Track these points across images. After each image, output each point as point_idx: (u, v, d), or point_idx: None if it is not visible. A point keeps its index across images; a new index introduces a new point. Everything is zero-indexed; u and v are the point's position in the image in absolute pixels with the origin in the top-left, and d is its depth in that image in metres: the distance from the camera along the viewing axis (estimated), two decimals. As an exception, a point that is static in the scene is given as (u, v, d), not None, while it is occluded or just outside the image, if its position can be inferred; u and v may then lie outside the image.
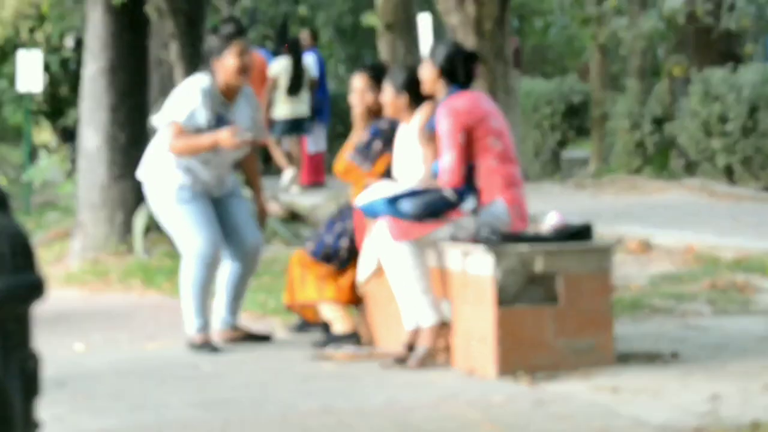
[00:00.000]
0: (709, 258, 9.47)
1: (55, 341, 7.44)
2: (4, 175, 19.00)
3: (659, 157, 15.92)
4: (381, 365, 6.48)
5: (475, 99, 6.64)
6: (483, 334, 6.17)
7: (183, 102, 7.03)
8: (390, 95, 6.92)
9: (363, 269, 6.84)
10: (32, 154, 17.63)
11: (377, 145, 7.09)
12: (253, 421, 5.35)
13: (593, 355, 6.23)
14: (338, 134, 18.57)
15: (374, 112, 7.24)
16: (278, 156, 16.18)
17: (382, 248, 6.50)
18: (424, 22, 13.98)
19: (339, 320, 7.13)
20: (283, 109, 16.04)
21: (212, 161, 7.10)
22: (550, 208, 7.92)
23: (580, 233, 6.36)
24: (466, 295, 6.32)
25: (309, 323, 7.45)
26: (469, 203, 6.43)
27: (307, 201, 13.93)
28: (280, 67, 16.13)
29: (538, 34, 30.55)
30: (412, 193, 6.45)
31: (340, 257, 7.15)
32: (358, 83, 7.30)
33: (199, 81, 7.11)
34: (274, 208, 11.65)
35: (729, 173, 14.79)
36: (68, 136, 19.07)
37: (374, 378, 6.22)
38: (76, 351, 7.30)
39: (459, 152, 6.43)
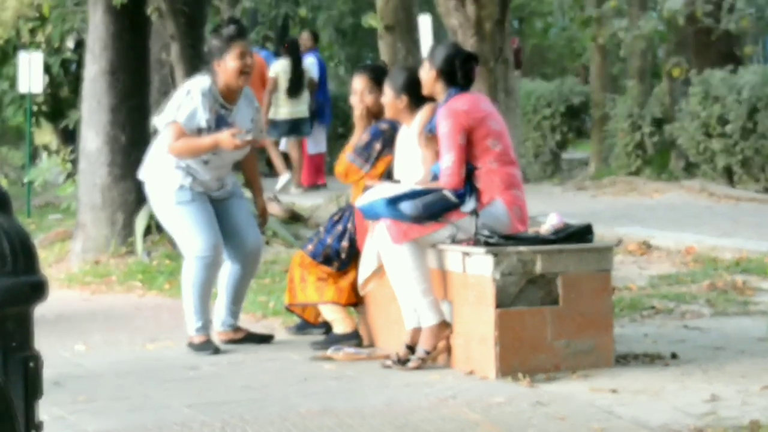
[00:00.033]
0: (709, 259, 9.49)
1: (56, 342, 7.45)
2: (5, 176, 19.02)
3: (659, 158, 15.93)
4: (381, 366, 6.49)
5: (475, 100, 6.65)
6: (483, 335, 6.18)
7: (183, 103, 7.04)
8: (390, 97, 6.93)
9: (363, 270, 6.85)
10: (33, 156, 17.65)
11: (377, 146, 7.10)
12: (253, 421, 5.36)
13: (593, 356, 6.24)
14: (339, 135, 18.58)
15: (374, 113, 7.25)
16: (275, 158, 16.19)
17: (383, 249, 6.51)
18: (424, 23, 13.99)
19: (339, 321, 7.14)
20: (283, 110, 16.06)
21: (212, 162, 7.11)
22: (550, 209, 7.94)
23: (580, 234, 6.37)
24: (466, 296, 6.33)
25: (309, 324, 7.46)
26: (468, 205, 6.43)
27: (307, 202, 13.95)
28: (279, 68, 16.14)
29: (538, 36, 30.57)
30: (412, 195, 6.46)
31: (341, 258, 7.17)
32: (359, 84, 7.31)
33: (200, 82, 7.12)
34: (274, 209, 11.66)
35: (729, 174, 14.79)
36: (69, 137, 19.08)
37: (374, 379, 6.23)
38: (76, 352, 7.31)
39: (459, 154, 6.44)
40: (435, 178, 6.60)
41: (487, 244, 6.21)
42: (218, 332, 7.28)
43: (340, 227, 7.21)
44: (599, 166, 17.03)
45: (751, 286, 8.50)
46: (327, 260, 7.18)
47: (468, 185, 6.47)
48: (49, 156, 19.32)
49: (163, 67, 11.65)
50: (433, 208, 6.41)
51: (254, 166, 7.60)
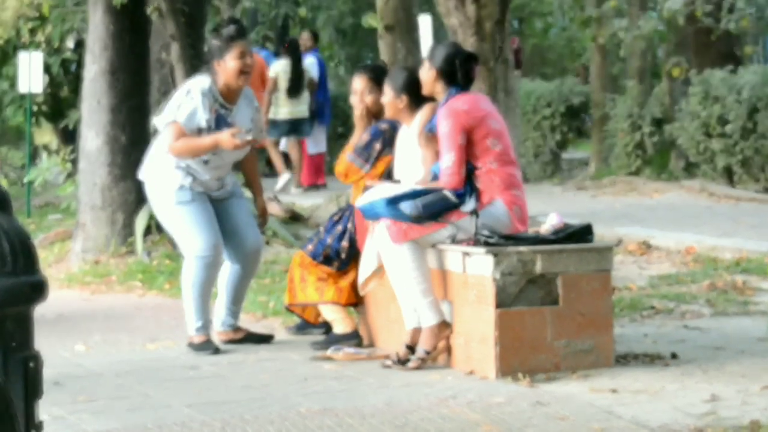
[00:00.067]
0: (709, 259, 9.49)
1: (56, 342, 7.45)
2: (5, 176, 19.01)
3: (659, 158, 15.93)
4: (381, 366, 6.49)
5: (475, 100, 6.65)
6: (483, 335, 6.18)
7: (183, 103, 7.04)
8: (390, 97, 6.93)
9: (363, 270, 6.85)
10: (33, 156, 17.65)
11: (377, 146, 7.10)
12: (253, 421, 5.36)
13: (593, 356, 6.24)
14: (339, 135, 18.59)
15: (374, 113, 7.25)
16: (275, 158, 16.20)
17: (383, 249, 6.51)
18: (424, 23, 13.99)
19: (339, 321, 7.14)
20: (283, 110, 16.05)
21: (212, 162, 7.11)
22: (550, 209, 7.94)
23: (580, 234, 6.37)
24: (466, 296, 6.33)
25: (309, 324, 7.46)
26: (469, 204, 6.43)
27: (307, 202, 13.95)
28: (279, 68, 16.14)
29: (538, 36, 30.57)
30: (412, 194, 6.46)
31: (341, 258, 7.17)
32: (359, 84, 7.31)
33: (200, 82, 7.12)
34: (274, 209, 11.66)
35: (729, 174, 14.79)
36: (69, 137, 19.08)
37: (374, 379, 6.23)
38: (76, 352, 7.31)
39: (459, 153, 6.44)
40: (435, 178, 6.60)
41: (487, 244, 6.22)
42: (218, 332, 7.28)
43: (340, 227, 7.21)
44: (599, 166, 17.03)
45: (751, 286, 8.50)
46: (327, 260, 7.18)
47: (468, 185, 6.47)
48: (49, 156, 19.33)
49: (163, 67, 11.66)
50: (433, 208, 6.41)
51: (254, 166, 7.60)
